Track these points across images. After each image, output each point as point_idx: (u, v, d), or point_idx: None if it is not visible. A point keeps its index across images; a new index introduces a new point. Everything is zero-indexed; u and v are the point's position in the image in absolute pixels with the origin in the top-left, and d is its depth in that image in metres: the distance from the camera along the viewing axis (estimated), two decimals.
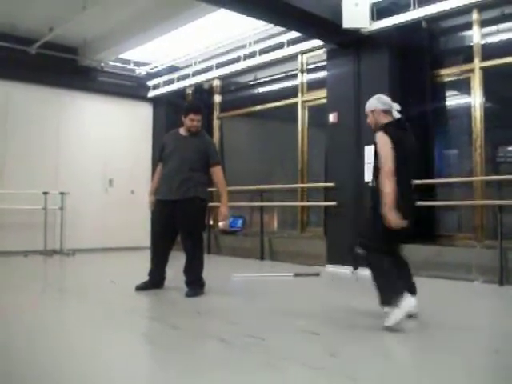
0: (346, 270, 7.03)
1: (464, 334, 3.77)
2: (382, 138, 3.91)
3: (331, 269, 7.30)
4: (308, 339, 3.59)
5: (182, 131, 5.39)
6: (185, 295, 4.99)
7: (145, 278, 5.43)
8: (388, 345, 3.55)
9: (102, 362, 3.05)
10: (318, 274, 6.68)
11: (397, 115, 4.13)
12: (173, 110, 10.38)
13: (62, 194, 9.47)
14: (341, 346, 3.41)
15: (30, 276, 6.93)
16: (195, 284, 5.14)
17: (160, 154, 5.51)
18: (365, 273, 6.91)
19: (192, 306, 4.67)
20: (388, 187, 3.73)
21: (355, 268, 7.05)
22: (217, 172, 5.33)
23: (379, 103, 4.14)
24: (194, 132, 5.29)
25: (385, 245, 3.89)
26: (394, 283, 3.78)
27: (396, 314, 3.63)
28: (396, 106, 4.15)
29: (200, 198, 5.19)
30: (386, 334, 3.77)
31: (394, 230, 3.72)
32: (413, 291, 4.02)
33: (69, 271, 7.94)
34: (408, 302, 3.66)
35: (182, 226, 5.22)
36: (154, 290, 5.37)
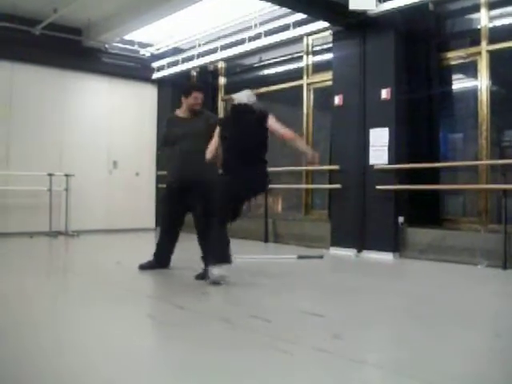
0: (349, 253, 7.05)
1: (466, 318, 3.80)
2: None
3: (335, 251, 7.32)
4: (312, 321, 3.62)
5: (181, 113, 5.36)
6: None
7: (150, 259, 5.49)
8: (392, 327, 3.57)
9: (106, 341, 3.09)
10: (321, 257, 6.71)
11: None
12: (177, 92, 10.27)
13: (66, 175, 9.49)
14: (345, 329, 3.44)
15: (35, 257, 6.98)
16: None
17: (163, 141, 5.51)
18: (369, 255, 6.98)
19: (197, 286, 4.70)
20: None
21: (359, 251, 7.09)
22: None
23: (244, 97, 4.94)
24: (196, 111, 5.26)
25: None
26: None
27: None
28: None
29: (213, 179, 5.22)
30: (388, 316, 3.81)
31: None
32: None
33: (74, 252, 7.98)
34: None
35: (200, 211, 5.23)
36: (159, 269, 5.42)
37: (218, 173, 5.31)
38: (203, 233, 5.19)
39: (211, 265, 4.63)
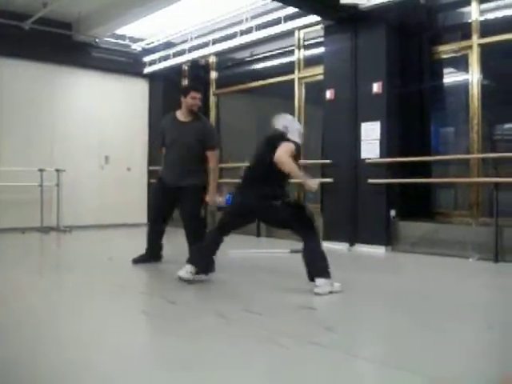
0: (342, 247, 7.07)
1: (458, 310, 3.82)
2: None
3: (327, 245, 7.29)
4: (305, 315, 3.63)
5: (180, 115, 5.33)
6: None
7: (142, 253, 5.51)
8: (385, 320, 3.59)
9: (102, 337, 3.08)
10: None
11: None
12: (169, 87, 10.35)
13: (57, 171, 9.44)
14: (338, 322, 3.45)
15: (27, 253, 6.95)
16: None
17: (162, 140, 5.44)
18: (361, 249, 7.00)
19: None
20: None
21: (351, 244, 7.12)
22: (213, 156, 5.28)
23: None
24: (194, 113, 5.26)
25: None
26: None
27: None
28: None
29: (204, 184, 5.25)
30: (380, 310, 3.83)
31: None
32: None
33: (66, 248, 7.96)
34: None
35: (186, 213, 5.28)
36: (151, 263, 5.47)
37: (202, 180, 5.30)
38: (193, 237, 5.22)
39: (195, 269, 4.55)
